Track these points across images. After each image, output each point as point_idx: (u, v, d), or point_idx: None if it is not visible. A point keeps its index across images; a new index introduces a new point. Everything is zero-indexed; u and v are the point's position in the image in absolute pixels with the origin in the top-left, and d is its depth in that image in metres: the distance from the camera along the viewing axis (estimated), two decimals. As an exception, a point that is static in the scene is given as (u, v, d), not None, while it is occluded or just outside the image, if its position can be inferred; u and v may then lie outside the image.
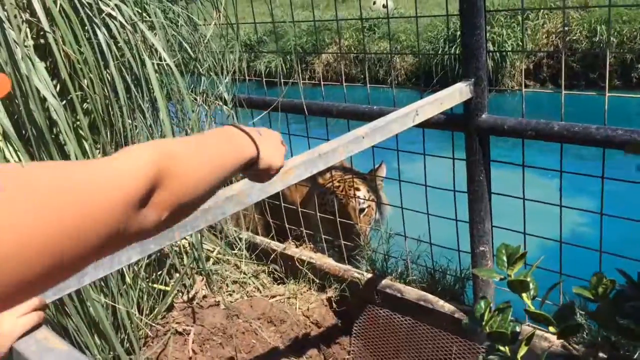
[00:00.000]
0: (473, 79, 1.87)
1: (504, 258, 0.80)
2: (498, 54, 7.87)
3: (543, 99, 7.43)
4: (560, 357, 1.39)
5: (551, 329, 0.76)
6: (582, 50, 7.95)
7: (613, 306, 0.71)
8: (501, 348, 0.75)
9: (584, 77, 7.99)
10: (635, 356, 0.74)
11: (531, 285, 0.78)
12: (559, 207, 1.88)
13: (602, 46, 7.71)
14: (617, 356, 0.73)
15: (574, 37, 8.07)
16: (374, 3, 11.91)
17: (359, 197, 2.83)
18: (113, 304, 1.85)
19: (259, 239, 2.99)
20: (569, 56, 7.82)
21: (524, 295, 0.78)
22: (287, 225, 2.89)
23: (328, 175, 2.92)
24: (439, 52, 7.65)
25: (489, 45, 7.97)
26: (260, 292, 2.67)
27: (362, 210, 2.86)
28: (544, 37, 8.40)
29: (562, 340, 0.77)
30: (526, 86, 8.39)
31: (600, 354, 0.95)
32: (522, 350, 0.75)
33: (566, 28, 7.72)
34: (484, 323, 0.77)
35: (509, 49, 7.81)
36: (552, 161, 1.95)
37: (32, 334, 0.77)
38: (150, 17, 2.12)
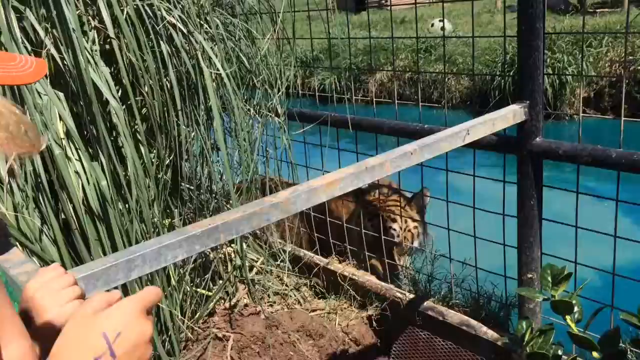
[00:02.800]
0: (528, 102, 1.84)
1: (549, 278, 0.78)
2: (557, 81, 7.69)
3: (603, 129, 7.19)
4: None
5: (594, 354, 0.73)
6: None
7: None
8: (542, 371, 0.72)
9: (648, 107, 7.69)
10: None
11: (576, 308, 0.76)
12: (614, 237, 1.81)
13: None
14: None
15: (639, 67, 7.79)
16: (432, 25, 11.89)
17: (393, 230, 2.78)
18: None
19: (303, 252, 3.00)
20: (632, 86, 7.55)
21: (567, 317, 0.76)
22: (331, 241, 2.89)
23: (373, 196, 2.89)
24: (496, 76, 7.53)
25: (549, 70, 7.80)
26: (301, 304, 2.67)
27: (395, 244, 2.82)
28: (606, 65, 8.16)
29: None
30: (586, 114, 8.14)
31: None
32: (564, 375, 0.72)
33: (629, 56, 7.46)
34: (524, 343, 0.75)
35: (570, 75, 7.62)
36: (609, 188, 1.89)
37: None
38: (211, 29, 2.19)
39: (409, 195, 2.98)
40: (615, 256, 1.83)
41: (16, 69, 0.80)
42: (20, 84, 0.83)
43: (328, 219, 2.87)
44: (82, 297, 0.88)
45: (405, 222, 2.81)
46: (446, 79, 8.88)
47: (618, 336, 0.76)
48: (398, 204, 2.78)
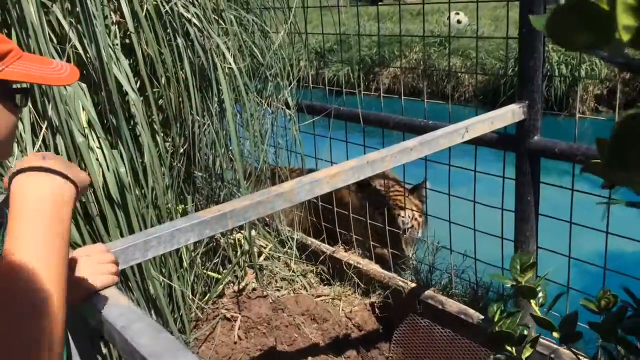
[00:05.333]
0: (527, 101, 1.92)
1: (517, 267, 0.87)
2: (570, 77, 7.69)
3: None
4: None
5: (554, 334, 0.82)
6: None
7: (615, 320, 0.77)
8: (508, 348, 0.82)
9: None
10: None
11: (540, 294, 0.85)
12: (605, 233, 1.89)
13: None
14: (614, 365, 0.78)
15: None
16: (448, 18, 11.86)
17: (403, 218, 2.86)
18: (170, 283, 2.01)
19: (310, 240, 3.10)
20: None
21: (532, 301, 0.85)
22: (337, 229, 2.99)
23: (378, 185, 2.97)
24: (509, 71, 7.55)
25: (562, 67, 7.80)
26: (307, 290, 2.78)
27: (405, 230, 2.89)
28: (621, 62, 8.11)
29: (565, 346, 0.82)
30: (598, 112, 8.14)
31: None
32: (527, 352, 0.81)
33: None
34: (493, 324, 0.84)
35: (583, 73, 7.61)
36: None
37: (103, 291, 0.91)
38: (225, 24, 2.28)
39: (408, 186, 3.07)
40: (607, 251, 1.92)
41: (54, 72, 0.91)
42: (55, 84, 0.94)
43: (335, 208, 2.96)
44: (117, 274, 1.00)
45: (412, 211, 2.90)
46: (452, 76, 8.89)
47: (576, 318, 0.85)
48: (403, 193, 2.86)
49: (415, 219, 2.89)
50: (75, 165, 0.88)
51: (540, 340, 1.76)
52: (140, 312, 0.86)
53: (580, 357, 1.35)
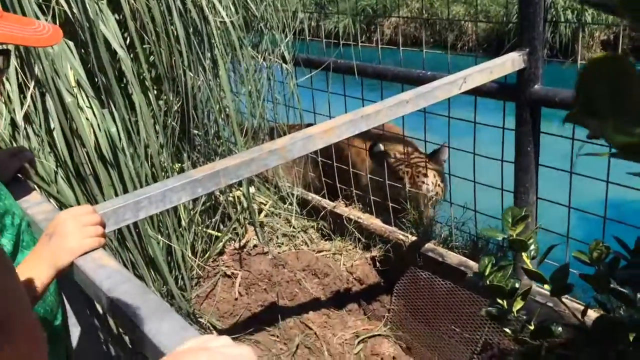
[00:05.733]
0: (528, 49, 1.86)
1: (509, 219, 0.85)
2: (575, 23, 7.50)
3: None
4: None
5: (546, 287, 0.81)
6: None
7: (608, 271, 0.75)
8: (499, 301, 0.81)
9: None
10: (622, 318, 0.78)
11: (532, 247, 0.83)
12: (606, 182, 1.86)
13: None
14: (606, 317, 0.77)
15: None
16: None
17: (427, 185, 2.75)
18: (169, 243, 2.02)
19: (311, 195, 3.09)
20: (655, 28, 7.33)
21: (523, 254, 0.84)
22: (338, 185, 2.97)
23: (397, 149, 2.85)
24: (512, 19, 7.36)
25: (568, 13, 7.60)
26: (308, 246, 2.79)
27: (429, 198, 2.79)
28: (629, 6, 7.88)
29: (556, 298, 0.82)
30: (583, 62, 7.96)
31: (591, 313, 0.99)
32: (518, 304, 0.80)
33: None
34: (484, 277, 0.84)
35: (589, 18, 7.42)
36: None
37: (90, 253, 0.90)
38: (216, -25, 2.20)
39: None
40: (607, 201, 1.90)
41: (35, 32, 0.88)
42: (36, 46, 0.91)
43: (335, 164, 2.93)
44: (103, 236, 0.98)
45: (434, 176, 2.80)
46: (455, 24, 8.69)
47: (567, 271, 0.84)
48: (424, 160, 2.77)
49: (438, 185, 2.79)
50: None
51: (538, 289, 1.77)
52: (127, 274, 0.85)
53: (575, 307, 1.36)
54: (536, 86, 1.91)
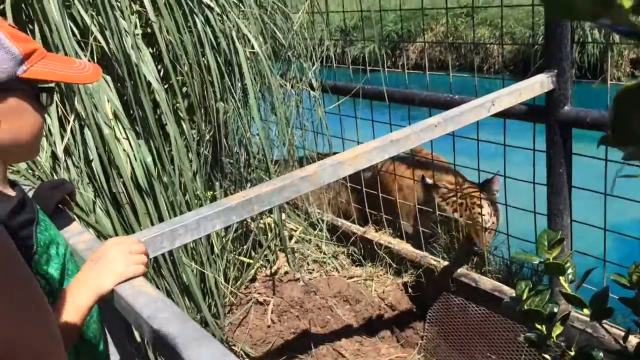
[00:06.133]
0: (556, 70, 1.86)
1: (545, 243, 0.85)
2: (603, 43, 7.42)
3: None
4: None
5: (585, 311, 0.80)
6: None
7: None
8: (538, 326, 0.80)
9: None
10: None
11: (570, 270, 0.82)
12: (642, 204, 1.83)
13: None
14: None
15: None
16: (474, -12, 11.55)
17: (484, 216, 2.64)
18: (202, 270, 2.04)
19: (341, 221, 3.10)
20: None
21: (561, 278, 0.82)
22: (384, 216, 2.87)
23: (447, 179, 2.77)
24: (538, 40, 7.33)
25: (595, 33, 7.53)
26: (339, 272, 2.79)
27: (487, 229, 2.68)
28: (658, 24, 7.79)
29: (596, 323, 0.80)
30: (635, 77, 7.85)
31: (632, 338, 0.96)
32: (557, 330, 0.79)
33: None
34: (522, 302, 0.83)
35: (617, 37, 7.33)
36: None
37: (131, 280, 0.93)
38: (244, 8, 2.27)
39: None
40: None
41: (77, 70, 0.93)
42: (79, 82, 0.96)
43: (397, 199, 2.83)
44: (147, 265, 1.02)
45: (489, 206, 2.70)
46: (481, 47, 8.67)
47: (607, 295, 0.82)
48: (477, 190, 2.69)
49: (494, 215, 2.71)
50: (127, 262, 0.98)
51: (576, 314, 1.73)
52: (167, 302, 0.87)
53: (615, 332, 1.33)
54: (566, 107, 1.90)
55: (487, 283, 2.45)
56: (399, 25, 9.98)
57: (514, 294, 2.32)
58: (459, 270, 2.56)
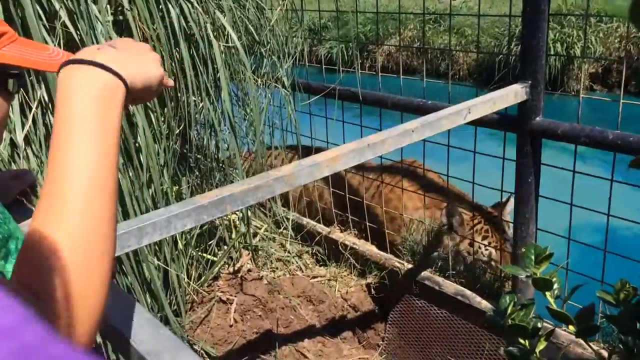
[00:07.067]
0: (530, 82, 1.88)
1: (532, 257, 0.84)
2: (565, 56, 7.64)
3: (611, 106, 7.17)
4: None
5: (571, 327, 0.80)
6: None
7: (634, 312, 0.74)
8: (521, 341, 0.79)
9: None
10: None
11: (556, 285, 0.82)
12: (607, 215, 1.87)
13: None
14: None
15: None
16: (443, -6, 11.71)
17: (510, 240, 2.46)
18: (165, 267, 1.98)
19: (306, 220, 3.07)
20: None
21: (547, 293, 0.82)
22: (386, 231, 2.76)
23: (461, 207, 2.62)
24: (503, 50, 7.48)
25: (558, 45, 7.74)
26: (303, 271, 2.76)
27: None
28: (616, 41, 8.08)
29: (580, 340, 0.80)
30: (593, 90, 8.11)
31: (615, 358, 0.98)
32: (541, 345, 0.79)
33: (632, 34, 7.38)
34: (506, 316, 0.82)
35: (579, 50, 7.56)
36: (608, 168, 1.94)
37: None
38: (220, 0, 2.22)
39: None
40: (608, 234, 1.90)
41: (49, 57, 0.86)
42: (48, 70, 0.89)
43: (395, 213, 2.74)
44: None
45: (509, 228, 2.51)
46: (447, 54, 8.82)
47: (593, 312, 0.83)
48: (496, 215, 2.60)
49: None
50: (154, 64, 0.77)
51: (559, 330, 1.74)
52: (139, 307, 0.82)
53: (598, 350, 1.35)
54: (537, 118, 1.93)
55: (450, 287, 2.47)
56: (368, 27, 10.03)
57: (476, 299, 2.36)
58: (422, 274, 2.58)
